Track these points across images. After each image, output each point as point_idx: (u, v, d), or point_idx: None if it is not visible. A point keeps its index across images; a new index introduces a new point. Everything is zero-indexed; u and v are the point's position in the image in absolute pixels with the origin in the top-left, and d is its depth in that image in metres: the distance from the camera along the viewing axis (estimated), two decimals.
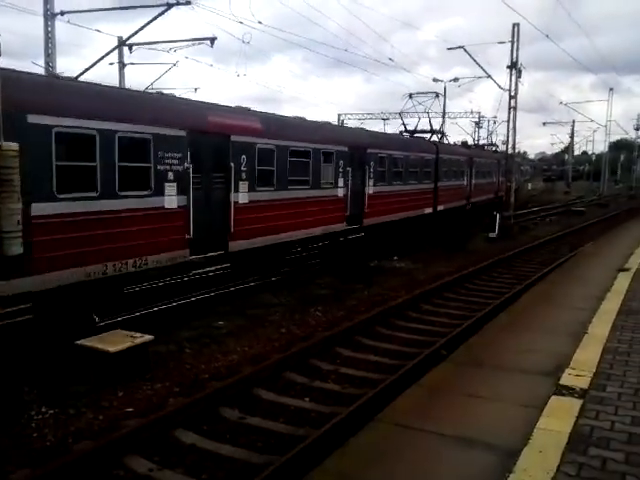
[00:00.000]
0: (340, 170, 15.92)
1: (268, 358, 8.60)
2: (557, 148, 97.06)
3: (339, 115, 53.15)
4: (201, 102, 12.09)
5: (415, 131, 26.94)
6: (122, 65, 31.79)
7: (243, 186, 11.93)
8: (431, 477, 3.99)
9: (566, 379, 5.61)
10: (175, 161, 10.17)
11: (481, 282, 14.90)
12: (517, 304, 9.76)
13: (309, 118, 16.10)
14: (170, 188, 10.11)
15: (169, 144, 10.01)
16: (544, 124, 71.91)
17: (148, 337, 8.05)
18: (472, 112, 50.87)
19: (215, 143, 11.15)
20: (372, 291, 13.67)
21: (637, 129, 71.31)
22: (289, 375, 8.05)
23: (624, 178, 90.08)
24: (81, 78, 13.76)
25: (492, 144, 45.00)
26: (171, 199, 10.13)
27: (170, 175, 10.09)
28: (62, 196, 8.21)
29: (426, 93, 28.11)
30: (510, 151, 29.29)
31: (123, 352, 7.57)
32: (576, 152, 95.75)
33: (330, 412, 6.77)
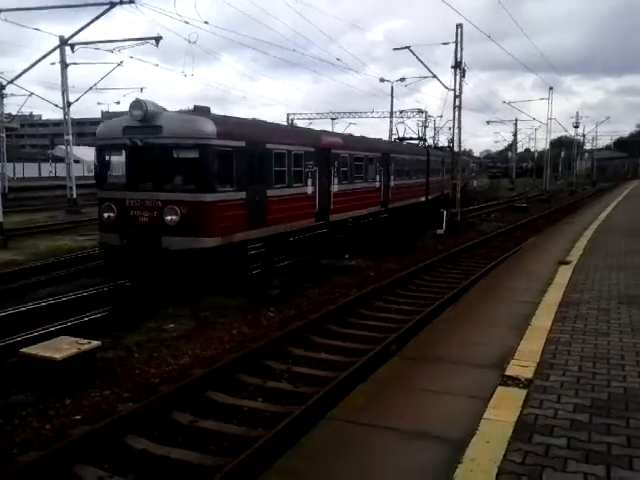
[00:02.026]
0: (377, 169, 22.46)
1: (220, 360, 8.54)
2: (501, 146, 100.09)
3: (288, 115, 53.26)
4: (319, 130, 21.06)
5: (404, 138, 35.09)
6: (64, 65, 30.90)
7: (335, 180, 18.41)
8: (382, 471, 4.05)
9: (511, 370, 5.76)
10: (310, 166, 16.60)
11: (430, 278, 15.19)
12: (463, 298, 9.97)
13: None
14: (309, 182, 16.60)
15: (308, 156, 16.47)
16: (488, 122, 73.85)
17: (95, 343, 7.88)
18: (420, 111, 51.74)
19: (325, 154, 17.66)
20: (324, 289, 13.74)
21: (576, 127, 73.77)
22: (242, 377, 8.01)
23: (565, 174, 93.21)
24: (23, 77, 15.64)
25: (448, 145, 47.04)
26: (309, 188, 16.65)
27: (309, 174, 16.57)
28: (276, 186, 14.54)
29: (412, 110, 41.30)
30: (456, 149, 29.95)
31: (70, 359, 7.38)
32: (519, 149, 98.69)
33: (284, 412, 6.78)
